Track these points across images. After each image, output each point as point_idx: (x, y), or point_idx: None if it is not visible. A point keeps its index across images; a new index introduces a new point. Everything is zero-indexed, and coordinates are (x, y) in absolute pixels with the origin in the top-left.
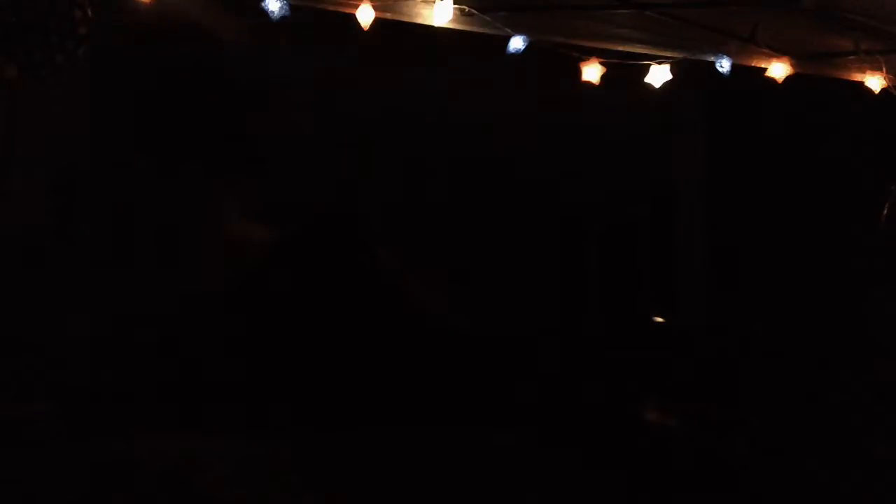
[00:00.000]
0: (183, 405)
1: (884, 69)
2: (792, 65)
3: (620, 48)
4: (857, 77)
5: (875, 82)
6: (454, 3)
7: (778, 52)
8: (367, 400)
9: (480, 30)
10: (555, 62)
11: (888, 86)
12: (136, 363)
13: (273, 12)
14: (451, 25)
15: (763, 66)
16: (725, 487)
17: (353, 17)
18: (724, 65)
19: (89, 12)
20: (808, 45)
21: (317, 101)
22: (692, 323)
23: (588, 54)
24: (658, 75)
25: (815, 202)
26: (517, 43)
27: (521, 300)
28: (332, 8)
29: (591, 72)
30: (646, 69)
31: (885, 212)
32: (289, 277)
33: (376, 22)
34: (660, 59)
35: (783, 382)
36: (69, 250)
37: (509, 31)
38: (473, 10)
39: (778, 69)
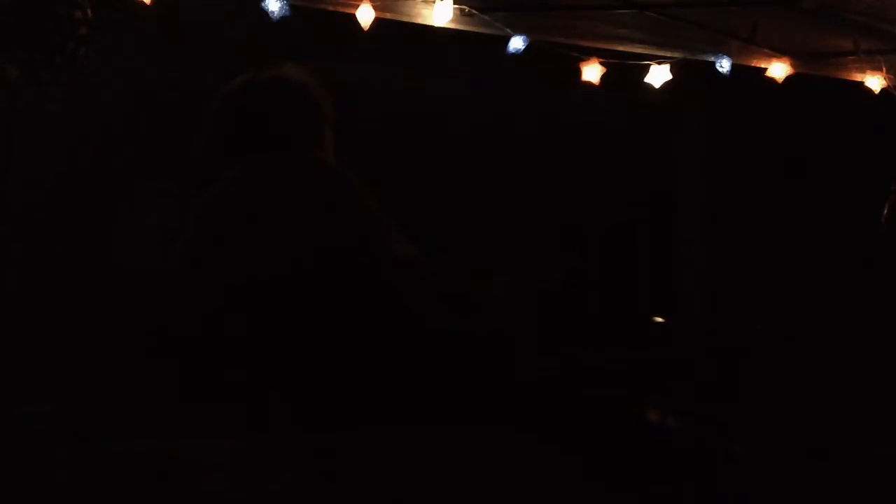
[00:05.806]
0: (183, 405)
1: (884, 69)
2: (792, 65)
3: (620, 48)
4: (857, 77)
5: (875, 82)
6: (454, 3)
7: (778, 52)
8: (368, 400)
9: (480, 30)
10: (555, 62)
11: (888, 86)
12: (136, 362)
13: (273, 12)
14: (451, 25)
15: (763, 66)
16: (725, 488)
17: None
18: (724, 65)
19: (89, 13)
20: (808, 45)
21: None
22: (692, 323)
23: (588, 54)
24: (658, 75)
25: (815, 202)
26: (517, 43)
27: (520, 300)
28: (331, 8)
29: (591, 72)
30: (646, 69)
31: (885, 212)
32: (289, 277)
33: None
34: (660, 59)
35: (783, 383)
36: (68, 248)
37: (509, 31)
38: (473, 10)
39: (778, 69)
